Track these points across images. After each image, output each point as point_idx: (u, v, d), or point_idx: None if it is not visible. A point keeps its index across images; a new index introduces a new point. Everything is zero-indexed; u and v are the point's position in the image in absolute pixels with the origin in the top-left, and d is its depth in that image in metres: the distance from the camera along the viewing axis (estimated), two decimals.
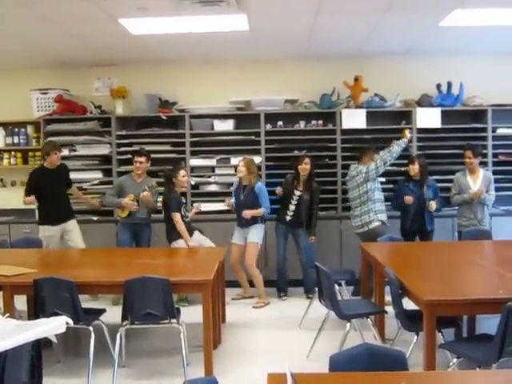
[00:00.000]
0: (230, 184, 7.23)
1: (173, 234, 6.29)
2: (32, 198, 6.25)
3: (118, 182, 6.68)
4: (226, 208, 6.77)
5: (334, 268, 5.74)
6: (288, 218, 6.63)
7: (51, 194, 6.38)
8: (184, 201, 6.53)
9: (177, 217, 6.24)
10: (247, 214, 6.39)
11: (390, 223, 6.55)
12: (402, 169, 7.04)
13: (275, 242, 6.78)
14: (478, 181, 6.35)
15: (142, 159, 6.45)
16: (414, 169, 6.41)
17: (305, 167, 6.57)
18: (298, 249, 6.71)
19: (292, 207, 6.62)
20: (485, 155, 7.12)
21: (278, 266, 6.77)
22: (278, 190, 6.73)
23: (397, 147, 6.31)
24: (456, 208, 6.62)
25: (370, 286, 5.55)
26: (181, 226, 6.22)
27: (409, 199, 6.28)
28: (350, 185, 6.52)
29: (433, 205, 6.26)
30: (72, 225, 6.57)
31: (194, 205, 6.78)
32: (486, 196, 6.26)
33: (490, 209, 6.57)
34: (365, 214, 6.35)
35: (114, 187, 6.63)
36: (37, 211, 6.58)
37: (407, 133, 6.43)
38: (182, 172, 6.36)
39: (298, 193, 6.62)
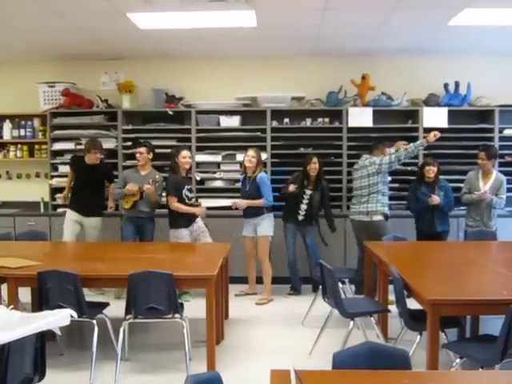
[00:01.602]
0: (236, 180, 7.23)
1: (173, 220, 6.24)
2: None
3: (122, 175, 6.73)
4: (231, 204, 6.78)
5: (337, 266, 5.77)
6: (300, 217, 6.61)
7: (82, 186, 6.62)
8: (188, 185, 6.38)
9: (172, 201, 6.17)
10: (240, 203, 6.39)
11: (403, 223, 6.57)
12: (409, 168, 7.04)
13: (282, 240, 6.73)
14: (488, 182, 6.31)
15: (142, 149, 6.47)
16: (434, 170, 6.33)
17: (314, 167, 6.56)
18: (306, 247, 6.59)
19: (304, 206, 6.60)
20: None
21: (289, 266, 6.74)
22: (292, 187, 6.57)
23: (414, 148, 6.16)
24: (462, 208, 6.61)
25: (372, 284, 5.56)
26: (179, 207, 6.14)
27: (433, 200, 6.19)
28: (359, 174, 6.42)
29: (434, 199, 6.20)
30: (94, 222, 6.67)
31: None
32: (494, 199, 6.21)
33: (498, 212, 6.51)
34: (372, 203, 6.29)
35: (120, 181, 6.65)
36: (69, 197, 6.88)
37: (432, 136, 6.14)
38: (184, 153, 6.27)
39: (308, 192, 6.60)
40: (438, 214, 6.34)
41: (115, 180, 6.89)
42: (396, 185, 7.10)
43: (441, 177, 6.48)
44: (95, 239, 6.62)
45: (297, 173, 6.74)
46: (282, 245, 6.76)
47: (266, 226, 6.44)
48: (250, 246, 6.57)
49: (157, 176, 6.38)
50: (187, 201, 6.25)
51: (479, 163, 6.35)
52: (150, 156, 6.55)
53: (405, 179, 7.05)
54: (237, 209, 6.50)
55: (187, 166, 6.35)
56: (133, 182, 6.37)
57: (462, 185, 6.57)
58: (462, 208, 6.64)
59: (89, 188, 6.60)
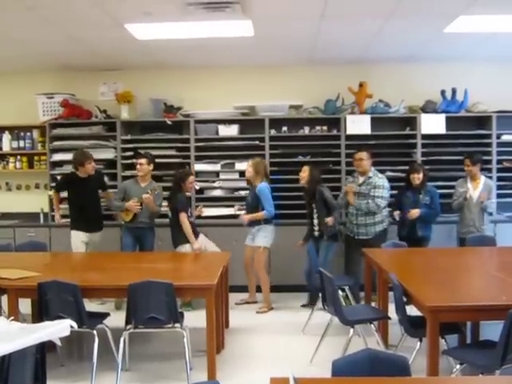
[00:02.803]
0: (235, 189, 7.26)
1: (179, 238, 6.27)
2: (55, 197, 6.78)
3: (122, 186, 6.72)
4: (231, 213, 6.78)
5: (337, 273, 5.77)
6: (316, 233, 6.38)
7: (82, 202, 6.47)
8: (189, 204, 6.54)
9: (184, 217, 6.22)
10: (244, 218, 6.38)
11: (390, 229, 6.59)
12: (403, 175, 7.04)
13: (284, 249, 6.66)
14: (478, 188, 6.37)
15: (142, 161, 6.47)
16: (420, 177, 6.36)
17: (301, 175, 6.37)
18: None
19: (316, 221, 6.36)
20: (489, 162, 7.12)
21: (306, 278, 6.47)
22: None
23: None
24: (458, 214, 6.60)
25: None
26: (187, 227, 6.20)
27: (412, 214, 6.26)
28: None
29: (413, 213, 6.25)
30: (98, 237, 6.62)
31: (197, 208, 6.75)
32: (486, 203, 6.24)
33: (489, 216, 6.51)
34: None
35: (119, 191, 6.65)
36: (70, 217, 6.65)
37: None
38: (192, 178, 6.41)
39: (313, 205, 6.36)
40: (420, 220, 6.36)
41: (109, 190, 6.84)
42: (394, 191, 7.11)
43: (437, 183, 6.48)
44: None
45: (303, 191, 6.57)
46: (283, 253, 6.71)
47: (263, 236, 6.38)
48: (248, 255, 6.54)
49: (156, 186, 6.40)
50: (191, 218, 6.37)
51: (466, 170, 6.47)
52: (151, 167, 6.56)
53: (398, 186, 7.03)
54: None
55: (191, 191, 6.61)
56: (132, 194, 6.39)
57: None
58: (458, 214, 6.63)
59: (90, 203, 6.52)
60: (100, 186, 6.74)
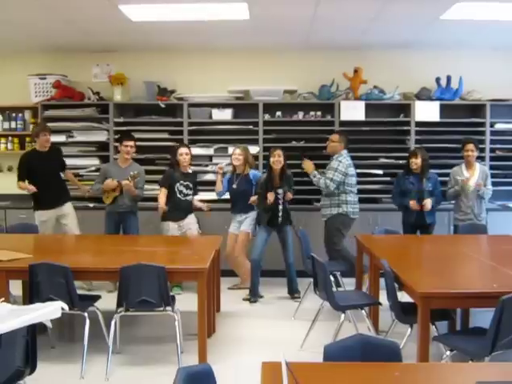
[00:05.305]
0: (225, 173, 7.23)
1: (166, 213, 6.24)
2: (26, 184, 6.19)
3: (102, 169, 6.56)
4: (223, 197, 6.74)
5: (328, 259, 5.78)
6: (280, 219, 6.23)
7: (44, 178, 6.22)
8: (186, 182, 6.32)
9: (160, 191, 6.24)
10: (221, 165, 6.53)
11: (393, 216, 6.62)
12: (400, 162, 7.04)
13: (272, 233, 6.45)
14: (474, 175, 6.31)
15: (132, 143, 6.35)
16: (417, 162, 6.27)
17: (277, 159, 6.14)
18: (283, 247, 6.37)
19: (280, 207, 6.20)
20: (482, 150, 7.13)
21: (255, 266, 6.26)
22: (271, 196, 6.10)
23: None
24: (453, 202, 6.60)
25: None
26: (158, 197, 6.20)
27: (413, 204, 6.19)
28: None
29: (428, 204, 6.17)
30: (68, 208, 6.46)
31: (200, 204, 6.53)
32: (483, 190, 6.24)
33: (487, 204, 6.53)
34: None
35: (100, 175, 6.48)
36: (32, 196, 6.36)
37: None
38: (180, 150, 6.28)
39: (280, 191, 6.17)
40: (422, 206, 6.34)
41: (66, 168, 6.64)
42: (387, 178, 7.14)
43: (430, 171, 6.43)
44: (76, 224, 6.44)
45: (262, 176, 6.40)
46: (274, 239, 6.57)
47: (250, 222, 6.42)
48: (232, 245, 6.49)
49: (135, 172, 6.20)
50: (178, 195, 6.23)
51: (469, 155, 6.31)
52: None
53: (391, 173, 7.06)
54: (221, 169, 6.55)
55: (185, 164, 6.30)
56: (112, 177, 6.26)
57: None
58: (452, 202, 6.63)
59: (50, 178, 6.26)
60: (60, 163, 6.49)
